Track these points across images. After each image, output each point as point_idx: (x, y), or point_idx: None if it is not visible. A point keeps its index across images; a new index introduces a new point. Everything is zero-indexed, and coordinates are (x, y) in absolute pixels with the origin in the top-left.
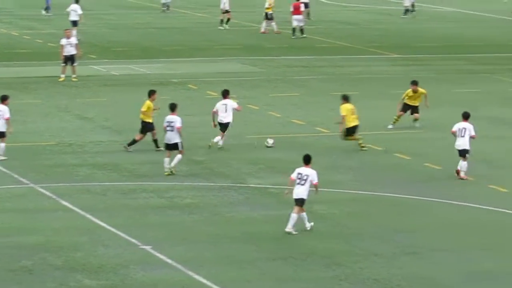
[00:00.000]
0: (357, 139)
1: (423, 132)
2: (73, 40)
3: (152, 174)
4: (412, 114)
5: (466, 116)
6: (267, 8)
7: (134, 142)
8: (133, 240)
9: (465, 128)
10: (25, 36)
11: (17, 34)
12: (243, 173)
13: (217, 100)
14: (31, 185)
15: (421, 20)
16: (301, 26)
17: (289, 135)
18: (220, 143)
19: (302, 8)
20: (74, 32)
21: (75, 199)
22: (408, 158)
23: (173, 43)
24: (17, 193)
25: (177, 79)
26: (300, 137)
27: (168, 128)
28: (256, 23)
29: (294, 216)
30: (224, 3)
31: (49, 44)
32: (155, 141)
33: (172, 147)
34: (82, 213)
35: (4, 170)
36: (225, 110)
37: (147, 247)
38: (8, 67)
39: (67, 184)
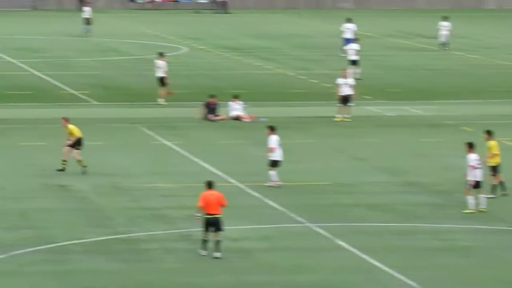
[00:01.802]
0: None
1: None
2: (350, 80)
3: (429, 216)
4: None
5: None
6: None
7: None
8: (411, 282)
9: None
10: (300, 77)
11: (292, 74)
12: None
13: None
14: (307, 224)
15: None
16: None
17: None
18: None
19: None
20: (351, 71)
21: (350, 239)
22: None
23: (448, 85)
24: (293, 232)
25: (452, 121)
26: None
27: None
28: None
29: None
30: None
31: (323, 84)
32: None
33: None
34: (358, 253)
35: (281, 208)
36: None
37: None
38: (284, 107)
39: (342, 224)
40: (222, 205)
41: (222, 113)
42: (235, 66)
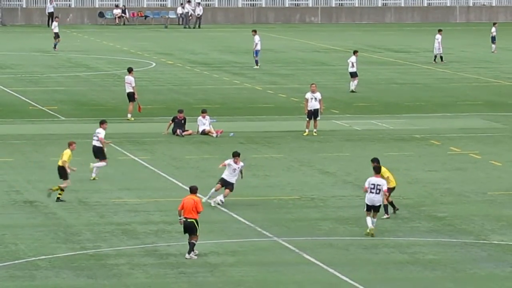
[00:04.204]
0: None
1: None
2: (318, 95)
3: (395, 230)
4: None
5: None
6: None
7: None
8: None
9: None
10: (268, 91)
11: (260, 88)
12: (486, 230)
13: (459, 156)
14: (274, 238)
15: None
16: None
17: None
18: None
19: None
20: (352, 83)
21: (318, 253)
22: None
23: (415, 98)
24: (260, 247)
25: (420, 135)
26: None
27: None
28: (498, 79)
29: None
30: None
31: (292, 98)
32: None
33: None
34: (325, 267)
35: (248, 223)
36: None
37: None
38: (251, 121)
39: (310, 238)
40: (195, 211)
41: (190, 128)
42: (204, 81)
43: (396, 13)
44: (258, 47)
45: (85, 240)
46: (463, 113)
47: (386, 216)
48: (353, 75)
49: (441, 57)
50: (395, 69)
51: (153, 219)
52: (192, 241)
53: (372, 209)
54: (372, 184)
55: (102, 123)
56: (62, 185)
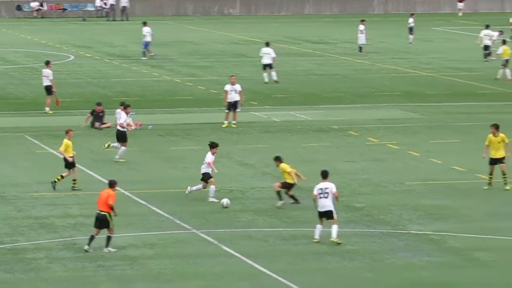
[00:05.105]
0: None
1: None
2: (238, 86)
3: (314, 221)
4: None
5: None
6: (503, 54)
7: None
8: (294, 286)
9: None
10: (187, 83)
11: (179, 81)
12: (404, 220)
13: (377, 146)
14: (193, 230)
15: None
16: None
17: (449, 182)
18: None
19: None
20: (266, 74)
21: (236, 244)
22: None
23: (334, 89)
24: (179, 239)
25: (338, 126)
26: (460, 183)
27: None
28: (416, 70)
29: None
30: None
31: (211, 90)
32: None
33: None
34: (243, 258)
35: (167, 215)
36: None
37: None
38: (170, 114)
39: (228, 230)
40: (107, 204)
41: (108, 121)
42: (123, 74)
43: (314, 5)
44: (148, 39)
45: (3, 234)
46: (381, 103)
47: (280, 202)
48: (271, 66)
49: (360, 48)
50: (314, 60)
51: (71, 212)
52: (108, 234)
53: (325, 216)
54: (320, 189)
55: (125, 107)
56: (64, 174)
